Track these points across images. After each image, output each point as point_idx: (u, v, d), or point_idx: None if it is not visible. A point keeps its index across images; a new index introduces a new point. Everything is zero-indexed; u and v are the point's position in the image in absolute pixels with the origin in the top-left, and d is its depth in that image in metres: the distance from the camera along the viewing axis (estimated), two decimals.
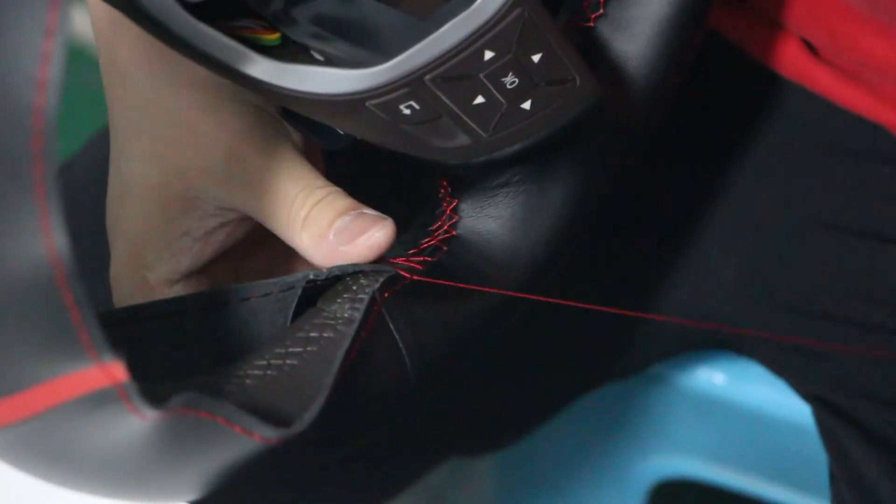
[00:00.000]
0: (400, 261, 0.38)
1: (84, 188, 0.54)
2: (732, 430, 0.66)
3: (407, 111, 0.34)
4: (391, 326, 0.36)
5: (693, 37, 0.41)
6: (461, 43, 0.33)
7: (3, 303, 0.23)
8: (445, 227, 0.39)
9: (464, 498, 0.92)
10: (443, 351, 0.38)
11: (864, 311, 0.54)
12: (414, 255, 0.39)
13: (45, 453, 0.27)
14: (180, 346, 0.35)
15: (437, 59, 0.33)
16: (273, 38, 0.35)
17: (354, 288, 0.35)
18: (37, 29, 0.21)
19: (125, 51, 0.39)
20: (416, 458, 0.63)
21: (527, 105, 0.36)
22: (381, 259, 0.37)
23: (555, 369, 0.62)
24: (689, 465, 0.69)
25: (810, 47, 0.52)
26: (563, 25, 0.41)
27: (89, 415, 0.25)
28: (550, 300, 0.39)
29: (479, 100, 0.35)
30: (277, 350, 0.33)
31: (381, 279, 0.36)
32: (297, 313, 0.36)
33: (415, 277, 0.37)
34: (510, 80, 0.35)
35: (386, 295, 0.36)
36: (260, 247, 0.42)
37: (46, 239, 0.22)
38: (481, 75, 0.35)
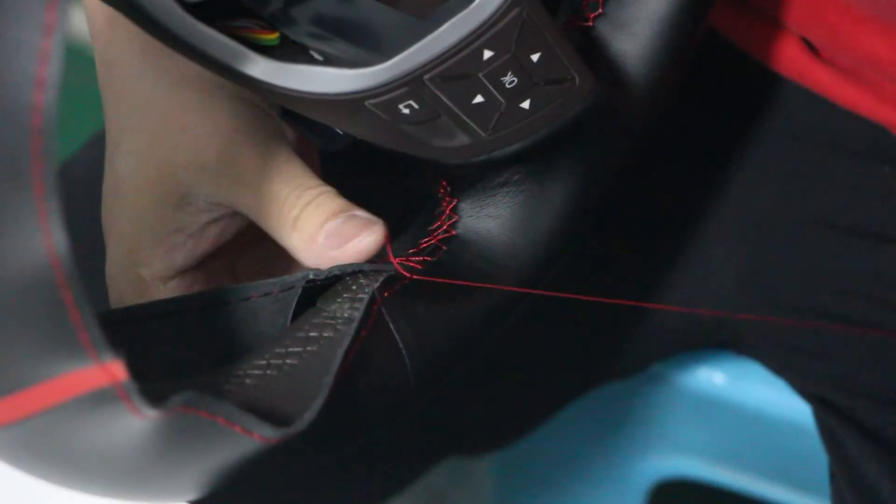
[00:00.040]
0: (399, 260, 0.38)
1: (84, 188, 0.54)
2: (732, 430, 0.66)
3: (406, 111, 0.34)
4: (391, 326, 0.36)
5: (692, 36, 0.41)
6: (460, 42, 0.33)
7: (3, 302, 0.23)
8: (445, 227, 0.39)
9: (464, 498, 0.92)
10: (443, 351, 0.38)
11: (864, 311, 0.54)
12: (414, 254, 0.39)
13: (45, 453, 0.26)
14: (180, 346, 0.35)
15: (436, 58, 0.33)
16: (272, 37, 0.35)
17: (354, 287, 0.35)
18: (35, 27, 0.21)
19: (119, 48, 0.39)
20: (416, 458, 0.63)
21: (526, 104, 0.36)
22: (380, 258, 0.37)
23: (555, 369, 0.62)
24: (689, 465, 0.69)
25: (810, 46, 0.52)
26: (562, 25, 0.41)
27: (89, 414, 0.25)
28: (550, 293, 0.39)
29: (479, 99, 0.35)
30: (277, 350, 0.33)
31: (381, 279, 0.36)
32: (297, 313, 0.36)
33: (414, 277, 0.37)
34: (509, 80, 0.35)
35: (386, 294, 0.36)
36: (256, 242, 0.42)
37: (46, 238, 0.22)
38: (480, 75, 0.35)
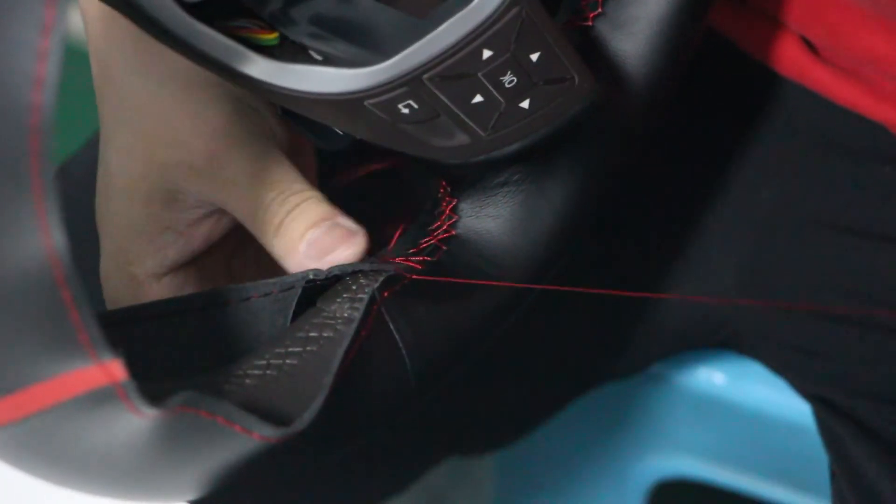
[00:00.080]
0: (399, 260, 0.38)
1: (84, 188, 0.54)
2: (732, 429, 0.66)
3: (405, 110, 0.34)
4: (391, 326, 0.36)
5: (692, 35, 0.41)
6: (459, 42, 0.33)
7: (2, 302, 0.23)
8: (445, 227, 0.39)
9: (464, 498, 0.92)
10: (443, 351, 0.38)
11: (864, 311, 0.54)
12: (413, 254, 0.39)
13: (44, 452, 0.26)
14: (180, 346, 0.35)
15: (436, 58, 0.33)
16: (271, 37, 0.35)
17: (354, 288, 0.35)
18: (34, 26, 0.21)
19: (112, 46, 0.39)
20: (416, 458, 0.63)
21: (525, 104, 0.36)
22: (380, 258, 0.37)
23: (555, 369, 0.62)
24: (689, 465, 0.69)
25: (810, 46, 0.52)
26: (561, 24, 0.41)
27: (88, 414, 0.25)
28: (550, 287, 0.39)
29: (478, 99, 0.35)
30: (277, 350, 0.33)
31: (381, 279, 0.36)
32: (297, 313, 0.36)
33: (414, 277, 0.37)
34: (508, 79, 0.35)
35: (385, 294, 0.36)
36: (250, 240, 0.42)
37: (45, 238, 0.22)
38: (480, 74, 0.35)
